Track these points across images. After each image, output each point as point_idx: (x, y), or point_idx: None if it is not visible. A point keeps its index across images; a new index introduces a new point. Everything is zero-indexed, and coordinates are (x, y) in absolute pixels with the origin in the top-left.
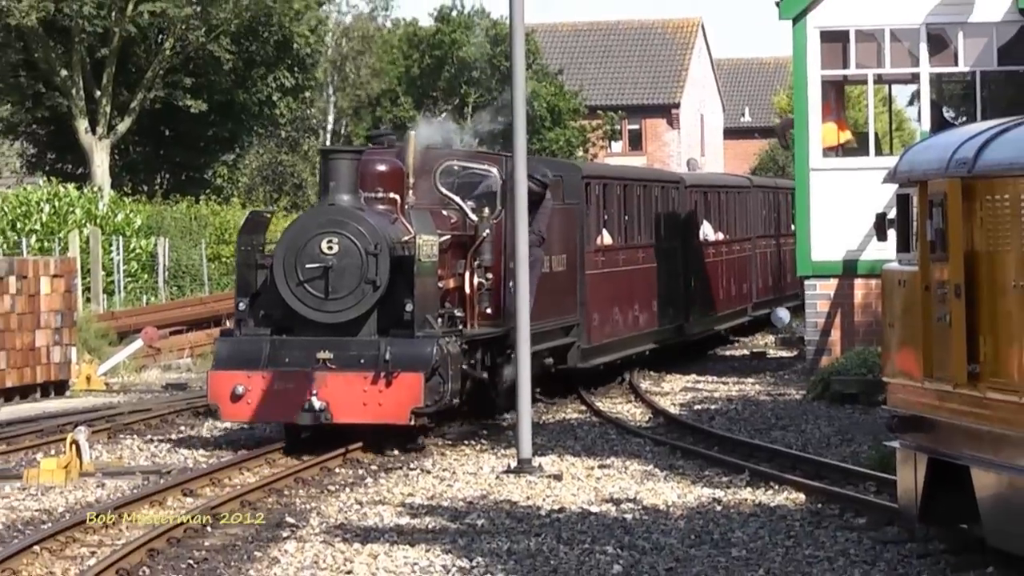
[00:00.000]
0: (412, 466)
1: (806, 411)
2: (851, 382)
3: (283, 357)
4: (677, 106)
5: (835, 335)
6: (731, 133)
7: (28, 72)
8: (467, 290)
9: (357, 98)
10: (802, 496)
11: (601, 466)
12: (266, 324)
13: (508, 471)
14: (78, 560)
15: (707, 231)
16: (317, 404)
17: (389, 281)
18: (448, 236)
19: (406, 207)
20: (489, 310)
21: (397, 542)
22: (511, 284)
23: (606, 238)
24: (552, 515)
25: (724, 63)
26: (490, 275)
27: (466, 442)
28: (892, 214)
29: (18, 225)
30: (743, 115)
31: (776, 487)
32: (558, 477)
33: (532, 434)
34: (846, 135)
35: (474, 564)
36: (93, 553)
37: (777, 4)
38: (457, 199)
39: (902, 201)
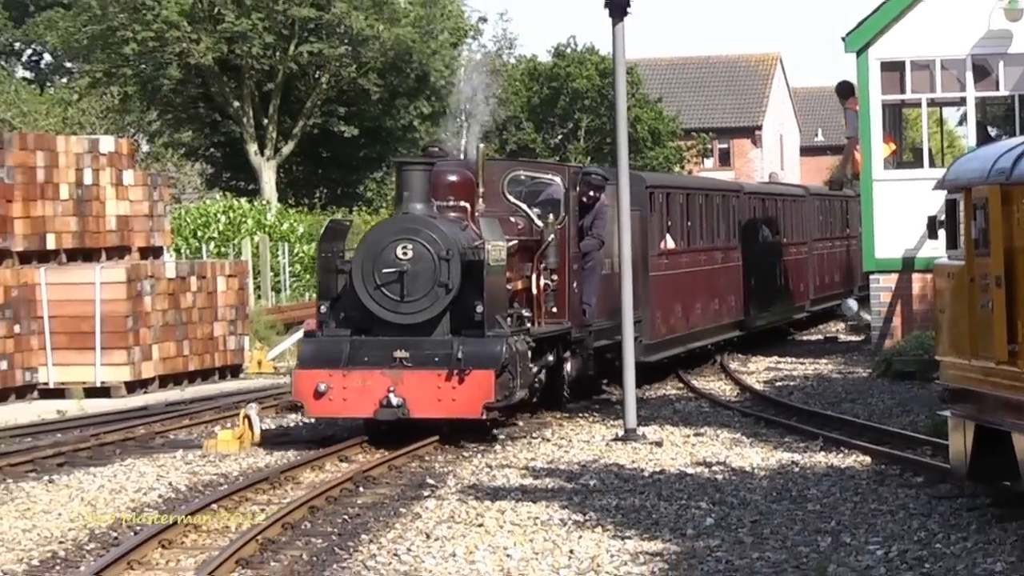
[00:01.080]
0: (534, 435)
1: (871, 387)
2: (910, 362)
3: (362, 356)
4: (760, 128)
5: (896, 322)
6: (806, 151)
7: (206, 104)
8: (534, 291)
9: (485, 124)
10: (868, 459)
11: (696, 434)
12: (346, 325)
13: (616, 439)
14: (249, 515)
15: (766, 234)
16: (395, 400)
17: (460, 284)
18: (516, 241)
19: (476, 214)
20: (555, 309)
21: (521, 499)
22: (575, 285)
23: (669, 243)
24: (653, 476)
25: (800, 91)
26: (555, 277)
27: (580, 415)
28: (942, 217)
29: (199, 233)
30: (817, 135)
31: (845, 451)
32: (659, 444)
33: (636, 408)
34: (891, 148)
35: (587, 517)
36: (263, 510)
37: (843, 39)
38: (524, 206)
39: (950, 205)
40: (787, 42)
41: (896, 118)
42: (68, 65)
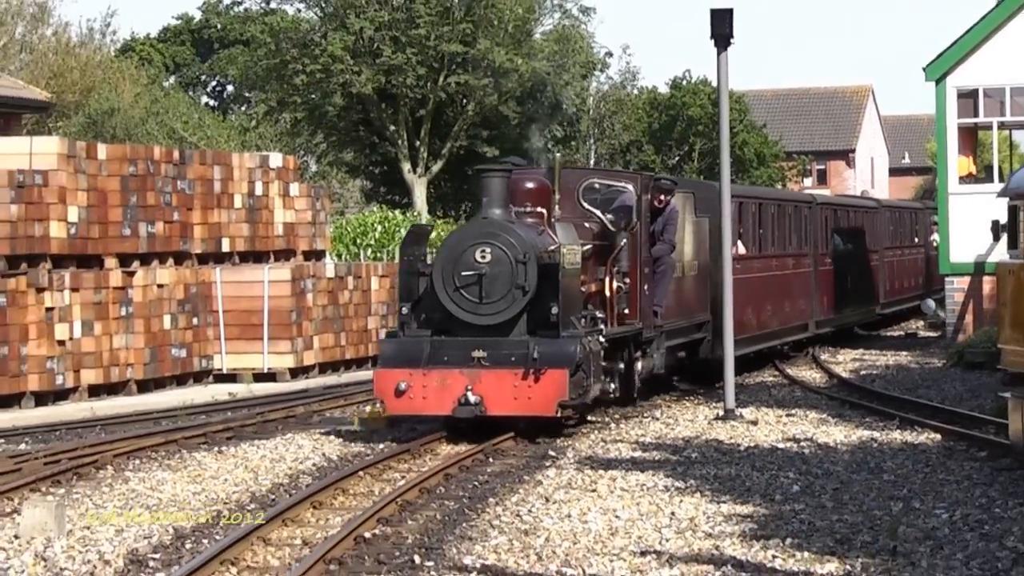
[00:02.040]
0: (645, 415)
1: (945, 375)
2: (979, 353)
3: (442, 356)
4: (853, 151)
5: (968, 319)
6: (894, 171)
7: (366, 128)
8: (607, 293)
9: (612, 147)
10: (938, 436)
11: (787, 415)
12: (427, 326)
13: (717, 418)
14: (391, 482)
15: (837, 242)
16: (473, 398)
17: (537, 286)
18: (590, 246)
19: (552, 220)
20: (627, 311)
21: (631, 469)
22: (646, 287)
23: (740, 249)
24: (748, 450)
25: (889, 118)
26: (627, 280)
27: (687, 398)
28: (1004, 221)
29: (358, 241)
30: (904, 158)
31: (919, 430)
32: (754, 422)
33: (736, 392)
34: (970, 166)
35: (687, 485)
36: (403, 476)
37: (924, 69)
38: (598, 212)
39: (1012, 211)
40: (879, 74)
41: (972, 139)
42: (246, 95)
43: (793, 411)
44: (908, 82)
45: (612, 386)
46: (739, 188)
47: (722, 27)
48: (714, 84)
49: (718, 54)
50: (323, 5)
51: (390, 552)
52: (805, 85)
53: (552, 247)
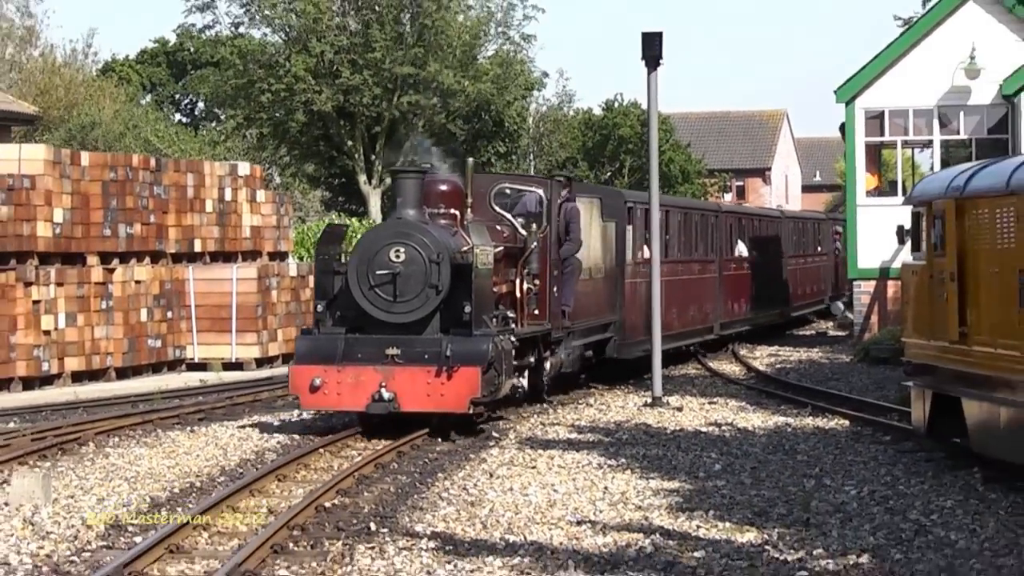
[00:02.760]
0: (580, 402)
1: (852, 370)
2: (884, 349)
3: (356, 353)
4: (769, 169)
5: (874, 319)
6: (807, 188)
7: (326, 142)
8: (518, 294)
9: (549, 162)
10: (847, 422)
11: (710, 402)
12: (341, 324)
13: (645, 405)
14: (349, 459)
15: (741, 249)
16: (386, 395)
17: (450, 286)
18: (501, 248)
19: (465, 222)
20: (536, 311)
21: (567, 449)
22: (555, 289)
23: (646, 253)
24: (674, 433)
25: (802, 139)
26: (537, 281)
27: (619, 387)
28: (907, 226)
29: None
30: (815, 176)
31: (829, 416)
32: (679, 409)
33: (663, 382)
34: (876, 181)
35: (619, 463)
36: (359, 454)
37: (835, 92)
38: (508, 216)
39: (915, 217)
40: (794, 98)
41: (877, 156)
42: (216, 111)
43: (715, 399)
44: (820, 106)
45: (522, 384)
46: (644, 194)
47: (652, 49)
48: (643, 107)
49: (648, 74)
50: (287, 30)
51: (348, 520)
52: (726, 109)
53: (465, 248)
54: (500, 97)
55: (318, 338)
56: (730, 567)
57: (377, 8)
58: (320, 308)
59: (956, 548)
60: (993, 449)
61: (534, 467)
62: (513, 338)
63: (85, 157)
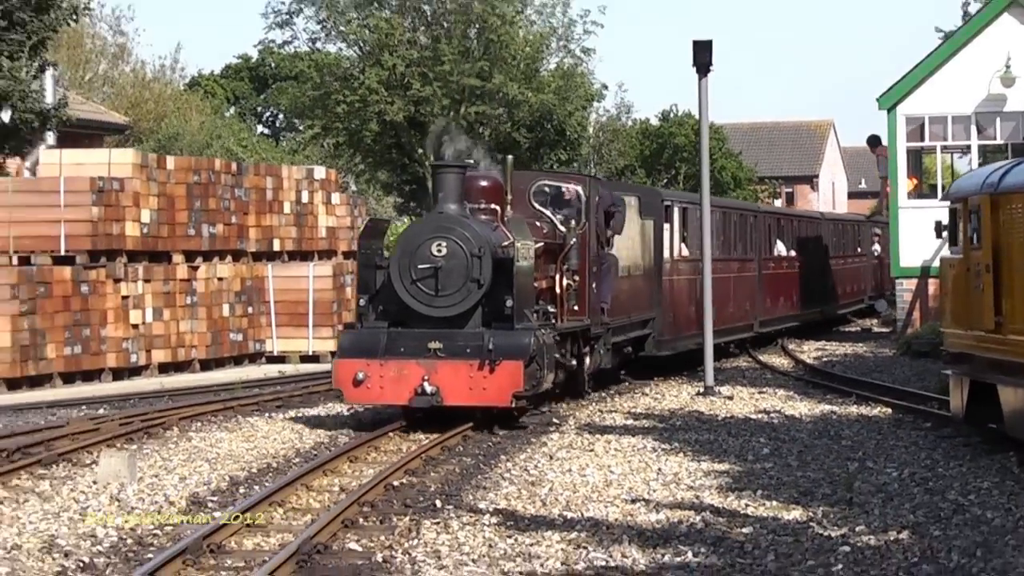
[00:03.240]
0: (636, 392)
1: (895, 363)
2: (925, 343)
3: (399, 347)
4: (817, 177)
5: (916, 315)
6: (852, 195)
7: (398, 151)
8: (557, 290)
9: (608, 170)
10: (889, 410)
11: (759, 392)
12: (384, 318)
13: (698, 394)
14: (417, 442)
15: (780, 248)
16: (429, 388)
17: (492, 280)
18: (541, 244)
19: (505, 218)
20: (576, 307)
21: (624, 434)
22: (594, 285)
23: (684, 251)
24: (725, 420)
25: (848, 148)
26: (576, 277)
27: (672, 378)
28: (945, 222)
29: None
30: (860, 183)
31: (872, 405)
32: (730, 398)
33: (714, 374)
34: (913, 183)
35: (672, 446)
36: (427, 437)
37: (877, 100)
38: (548, 212)
39: (952, 213)
40: (840, 108)
41: (918, 160)
42: (295, 123)
43: (764, 389)
44: (866, 116)
45: (561, 378)
46: (683, 194)
47: (703, 56)
48: (697, 117)
49: (699, 80)
50: (361, 45)
51: (415, 497)
52: (776, 119)
53: (506, 243)
54: (562, 107)
55: (361, 332)
56: (776, 542)
57: (445, 24)
58: (363, 302)
59: (992, 525)
60: None
61: (592, 450)
62: (554, 332)
63: (171, 161)
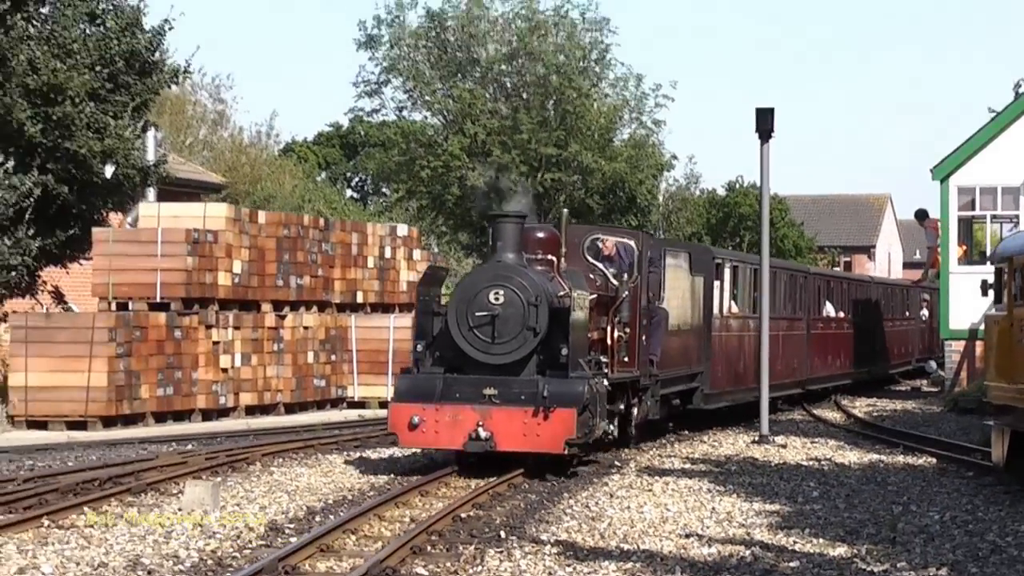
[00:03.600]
0: (694, 439)
1: (942, 418)
2: (971, 400)
3: (454, 392)
4: (874, 247)
5: (963, 375)
6: (908, 265)
7: (478, 214)
8: (609, 341)
9: (677, 236)
10: (934, 460)
11: (812, 441)
12: (440, 364)
13: (753, 442)
14: (485, 479)
15: (829, 309)
16: (483, 434)
17: (548, 328)
18: (594, 296)
19: (560, 269)
20: (627, 359)
21: (681, 476)
22: (644, 338)
23: (733, 308)
24: (777, 465)
25: (903, 221)
26: (628, 329)
27: (730, 428)
28: (991, 281)
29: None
30: (916, 254)
31: (918, 455)
32: (783, 446)
33: (770, 424)
34: (962, 250)
35: (726, 489)
36: (496, 475)
37: (931, 171)
38: (601, 266)
39: (998, 272)
40: (897, 182)
41: (968, 229)
42: (382, 186)
43: (816, 439)
44: (921, 189)
45: (611, 428)
46: (735, 253)
47: (765, 123)
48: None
49: (761, 145)
50: (445, 114)
51: (481, 528)
52: (837, 191)
53: (562, 293)
54: (633, 176)
55: (417, 377)
56: (821, 575)
57: (524, 95)
58: (420, 348)
59: None
60: None
61: (650, 490)
62: (606, 382)
63: (262, 216)
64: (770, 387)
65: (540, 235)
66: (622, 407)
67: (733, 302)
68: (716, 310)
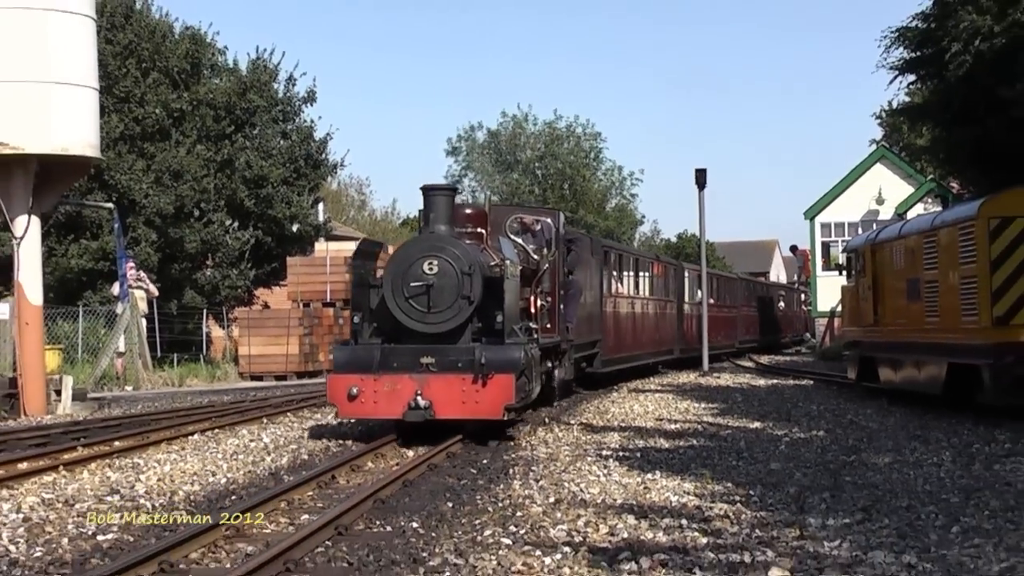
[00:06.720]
0: (661, 373)
1: (815, 363)
2: (832, 352)
3: (392, 362)
4: (767, 273)
5: (826, 339)
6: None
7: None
8: (532, 310)
9: None
10: (812, 382)
11: (735, 377)
12: (377, 336)
13: (699, 375)
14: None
15: (697, 295)
16: (422, 403)
17: (482, 297)
18: (520, 267)
19: (489, 242)
20: (548, 325)
21: (655, 392)
22: (562, 306)
23: (617, 288)
24: (716, 387)
25: (786, 256)
26: (548, 299)
27: (685, 370)
28: (843, 263)
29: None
30: (795, 277)
31: (803, 379)
32: (718, 378)
33: (709, 367)
34: (823, 262)
35: (684, 396)
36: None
37: (803, 213)
38: (521, 242)
39: (848, 258)
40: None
41: (826, 250)
42: None
43: (738, 375)
44: (797, 226)
45: (537, 389)
46: (618, 244)
47: (701, 178)
48: (698, 235)
49: (699, 192)
50: (499, 195)
51: (535, 418)
52: (742, 238)
53: (493, 263)
54: (618, 229)
55: (355, 348)
56: (745, 437)
57: (550, 181)
58: (356, 319)
59: (870, 429)
60: (894, 385)
61: (637, 399)
62: (537, 347)
63: (390, 248)
64: (648, 354)
65: (468, 211)
66: (548, 368)
67: (619, 283)
68: (607, 289)
